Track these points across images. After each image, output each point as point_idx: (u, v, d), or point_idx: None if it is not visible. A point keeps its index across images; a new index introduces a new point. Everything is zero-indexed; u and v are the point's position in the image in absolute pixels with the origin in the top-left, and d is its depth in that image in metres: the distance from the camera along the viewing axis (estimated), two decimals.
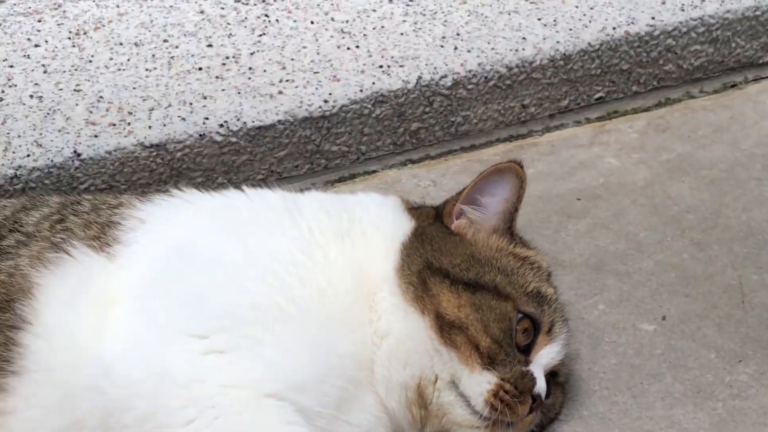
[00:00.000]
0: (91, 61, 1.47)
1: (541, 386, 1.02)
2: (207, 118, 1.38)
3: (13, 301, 0.97)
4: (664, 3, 1.60)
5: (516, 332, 1.04)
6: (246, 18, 1.55)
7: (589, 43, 1.54)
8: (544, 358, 1.05)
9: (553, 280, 1.14)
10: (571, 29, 1.55)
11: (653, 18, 1.57)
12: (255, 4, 1.58)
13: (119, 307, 0.98)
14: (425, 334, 1.04)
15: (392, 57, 1.49)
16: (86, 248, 1.01)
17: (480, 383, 1.01)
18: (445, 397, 1.03)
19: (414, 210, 1.16)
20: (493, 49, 1.51)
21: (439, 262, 1.07)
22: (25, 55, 1.48)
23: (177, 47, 1.50)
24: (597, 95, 1.58)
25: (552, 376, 1.07)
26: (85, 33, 1.51)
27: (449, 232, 1.11)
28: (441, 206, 1.16)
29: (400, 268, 1.08)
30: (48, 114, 1.39)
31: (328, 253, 1.07)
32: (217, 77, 1.45)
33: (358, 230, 1.11)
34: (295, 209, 1.11)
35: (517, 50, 1.51)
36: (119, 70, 1.46)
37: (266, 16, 1.55)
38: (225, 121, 1.38)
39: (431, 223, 1.13)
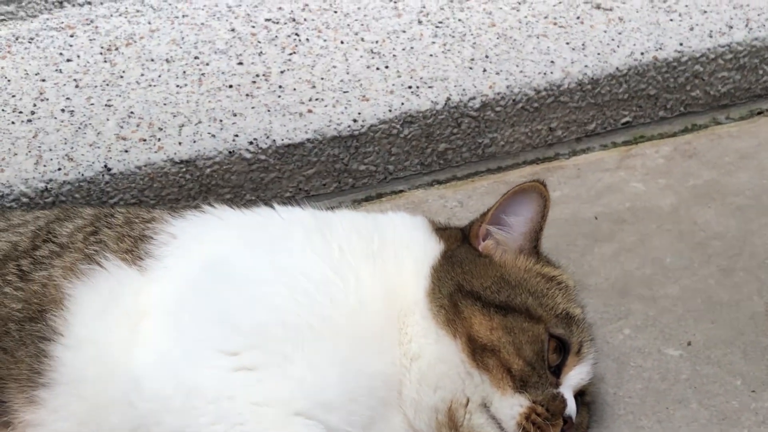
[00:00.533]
0: (122, 77, 1.48)
1: (571, 408, 1.02)
2: (237, 135, 1.38)
3: (45, 312, 0.98)
4: (692, 29, 1.60)
5: (547, 354, 1.04)
6: (276, 36, 1.55)
7: (617, 68, 1.54)
8: (574, 379, 1.05)
9: (580, 298, 1.14)
10: (599, 53, 1.55)
11: (681, 44, 1.57)
12: (285, 23, 1.58)
13: (150, 321, 0.99)
14: (457, 357, 1.04)
15: (421, 78, 1.49)
16: (119, 261, 1.02)
17: (512, 406, 1.01)
18: (476, 420, 1.03)
19: (441, 231, 1.16)
20: (521, 71, 1.51)
21: (470, 285, 1.07)
22: (57, 70, 1.48)
23: (208, 64, 1.50)
24: (624, 120, 1.58)
25: (580, 395, 1.07)
26: (116, 48, 1.52)
27: (478, 254, 1.11)
28: (467, 227, 1.16)
29: (431, 292, 1.08)
30: (79, 128, 1.39)
31: (358, 273, 1.07)
32: (247, 95, 1.45)
33: (390, 252, 1.11)
34: (326, 228, 1.11)
35: (545, 73, 1.51)
36: (150, 86, 1.46)
37: (296, 35, 1.56)
38: (254, 139, 1.38)
39: (459, 245, 1.13)
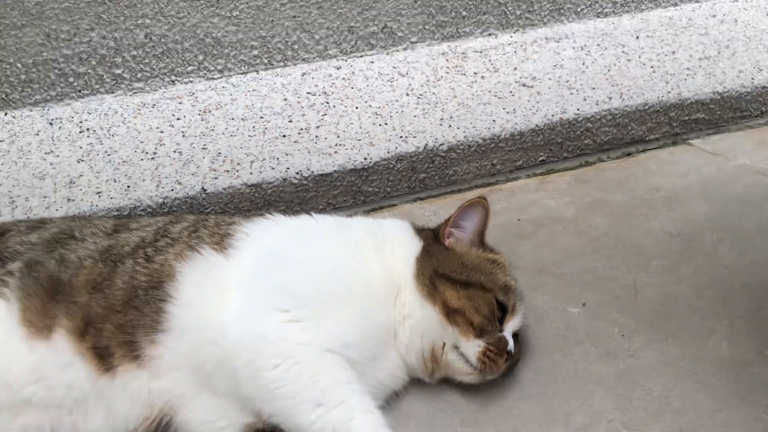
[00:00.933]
0: (213, 130, 1.48)
1: (511, 345, 1.04)
2: (288, 168, 1.38)
3: (162, 282, 0.98)
4: (585, 100, 1.60)
5: (496, 313, 1.06)
6: (314, 104, 1.55)
7: (536, 125, 1.54)
8: (511, 327, 1.07)
9: (513, 274, 1.15)
10: (524, 115, 1.55)
11: (578, 109, 1.57)
12: (319, 95, 1.59)
13: (230, 290, 0.99)
14: (436, 317, 1.05)
15: (408, 131, 1.49)
16: (211, 250, 1.03)
17: (474, 347, 1.03)
18: (450, 356, 1.05)
19: (419, 231, 1.17)
20: (474, 127, 1.51)
21: (442, 270, 1.08)
22: (170, 125, 1.48)
23: (269, 121, 1.50)
24: (540, 159, 1.58)
25: (514, 336, 1.08)
26: (209, 111, 1.52)
27: (445, 248, 1.13)
28: (436, 229, 1.16)
29: (417, 275, 1.08)
30: (185, 164, 1.39)
31: (368, 259, 1.10)
32: (294, 141, 1.45)
33: (388, 246, 1.13)
34: (345, 229, 1.14)
35: (489, 128, 1.51)
36: (231, 135, 1.46)
37: (327, 103, 1.56)
38: (299, 171, 1.38)
39: (432, 243, 1.13)
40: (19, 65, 1.45)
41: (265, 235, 1.09)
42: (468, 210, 1.13)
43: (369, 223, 1.18)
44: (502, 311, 1.07)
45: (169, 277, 0.98)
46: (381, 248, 1.10)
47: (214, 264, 1.01)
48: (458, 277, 1.08)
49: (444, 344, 1.05)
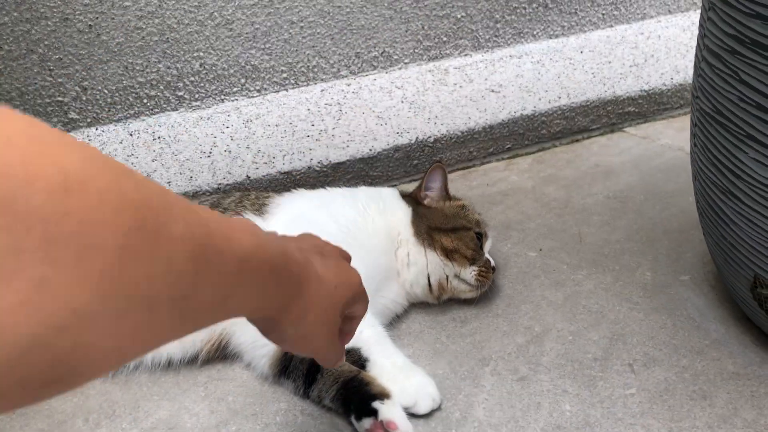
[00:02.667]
0: (254, 134, 1.53)
1: (493, 262, 1.15)
2: (311, 159, 1.45)
3: None
4: (540, 99, 1.66)
5: (477, 243, 1.14)
6: (330, 112, 1.60)
7: (502, 120, 1.60)
8: (487, 248, 1.17)
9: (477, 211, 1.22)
10: (493, 113, 1.61)
11: (534, 107, 1.64)
12: (335, 105, 1.63)
13: None
14: (438, 259, 1.12)
15: (403, 128, 1.56)
16: (251, 214, 1.10)
17: (471, 272, 1.12)
18: (454, 283, 1.13)
19: (405, 196, 1.23)
20: (454, 123, 1.57)
21: (434, 224, 1.15)
22: (221, 132, 1.54)
23: (296, 126, 1.55)
24: (507, 146, 1.64)
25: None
26: (251, 120, 1.57)
27: (426, 207, 1.19)
28: (413, 194, 1.23)
29: (416, 233, 1.15)
30: (233, 159, 1.46)
31: (374, 219, 1.15)
32: (316, 140, 1.52)
33: (387, 208, 1.18)
34: (353, 196, 1.20)
35: (466, 124, 1.58)
36: (268, 137, 1.52)
37: (340, 110, 1.61)
38: (320, 161, 1.45)
39: (417, 206, 1.20)
40: (105, 91, 1.53)
41: (292, 204, 1.16)
42: (431, 174, 1.20)
43: (371, 190, 1.24)
44: (480, 240, 1.16)
45: None
46: (381, 209, 1.17)
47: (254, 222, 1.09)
48: (446, 226, 1.15)
49: (447, 276, 1.13)
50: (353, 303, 0.64)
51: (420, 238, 1.14)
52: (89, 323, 0.28)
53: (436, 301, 1.16)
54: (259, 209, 1.13)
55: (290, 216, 1.12)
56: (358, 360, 0.99)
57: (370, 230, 1.12)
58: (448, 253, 1.12)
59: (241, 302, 0.45)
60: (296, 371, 0.99)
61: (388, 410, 0.90)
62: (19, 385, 0.27)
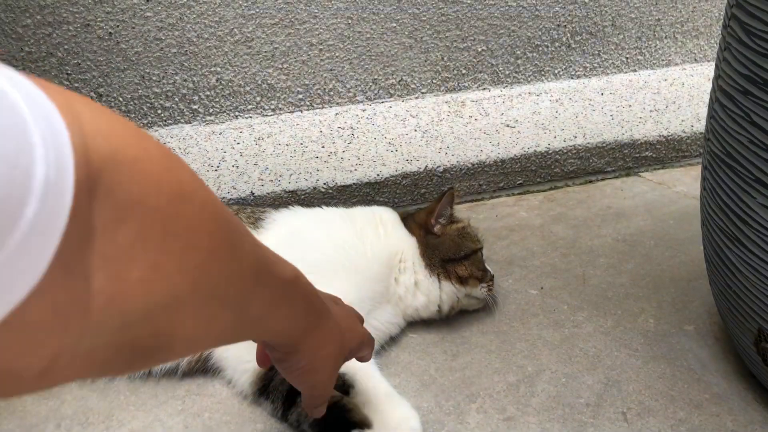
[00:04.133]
0: (264, 151, 1.53)
1: (492, 272, 1.17)
2: (317, 180, 1.44)
3: None
4: (555, 137, 1.64)
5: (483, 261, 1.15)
6: (342, 135, 1.60)
7: (515, 155, 1.57)
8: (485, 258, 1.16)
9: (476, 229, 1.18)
10: (506, 147, 1.59)
11: (549, 144, 1.61)
12: (347, 129, 1.63)
13: None
14: (453, 288, 1.12)
15: (414, 156, 1.54)
16: (247, 226, 1.07)
17: (480, 289, 1.13)
18: (465, 301, 1.13)
19: (405, 218, 1.20)
20: (465, 155, 1.55)
21: (447, 256, 1.13)
22: (232, 147, 1.54)
23: (306, 146, 1.55)
24: (518, 182, 1.61)
25: None
26: (262, 138, 1.57)
27: (437, 236, 1.16)
28: (421, 219, 1.18)
29: (428, 266, 1.13)
30: (240, 174, 1.45)
31: (372, 244, 1.13)
32: (325, 161, 1.50)
33: (390, 234, 1.15)
34: (350, 218, 1.17)
35: (477, 156, 1.55)
36: (277, 156, 1.51)
37: (352, 135, 1.60)
38: (326, 182, 1.43)
39: (425, 236, 1.16)
40: (120, 99, 1.54)
41: (288, 220, 1.14)
42: (445, 202, 1.17)
43: (367, 212, 1.20)
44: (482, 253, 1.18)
45: None
46: (381, 235, 1.14)
47: None
48: (459, 255, 1.13)
49: (459, 297, 1.13)
50: (360, 349, 0.73)
51: (433, 270, 1.13)
52: (182, 307, 0.35)
53: (444, 317, 1.16)
54: (255, 222, 1.11)
55: (286, 232, 1.10)
56: (343, 385, 0.96)
57: (368, 255, 1.10)
58: (463, 281, 1.12)
59: (278, 321, 0.52)
60: (276, 392, 0.95)
61: None
62: (128, 346, 0.33)
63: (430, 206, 1.18)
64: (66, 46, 1.45)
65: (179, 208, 0.34)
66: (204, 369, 1.03)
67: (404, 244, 1.14)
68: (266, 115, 1.65)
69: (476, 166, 1.54)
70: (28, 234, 0.25)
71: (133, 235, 0.30)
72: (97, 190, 0.28)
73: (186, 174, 0.36)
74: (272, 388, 0.96)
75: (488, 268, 1.17)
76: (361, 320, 0.79)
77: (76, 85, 1.49)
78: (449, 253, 1.13)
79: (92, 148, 0.28)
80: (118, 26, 1.47)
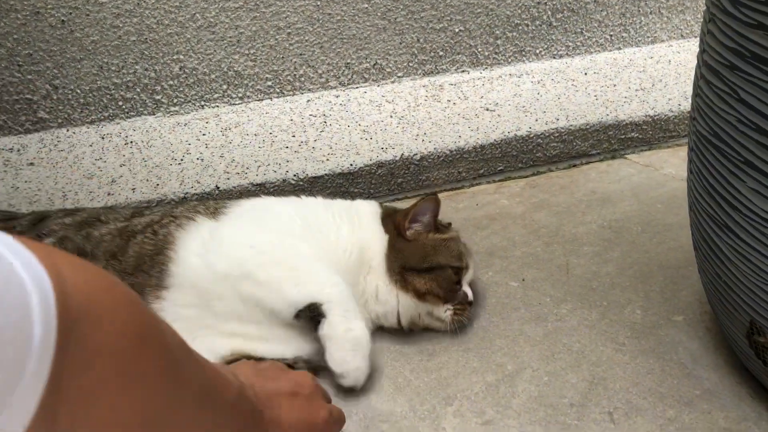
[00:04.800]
0: (230, 143, 1.47)
1: (470, 295, 1.05)
2: (287, 172, 1.37)
3: (165, 249, 0.98)
4: (536, 120, 1.58)
5: (453, 281, 1.05)
6: (314, 123, 1.54)
7: (494, 140, 1.51)
8: (467, 280, 1.07)
9: (463, 243, 1.11)
10: (485, 132, 1.53)
11: (530, 128, 1.55)
12: (319, 117, 1.57)
13: (222, 236, 0.99)
14: (410, 301, 1.04)
15: (389, 144, 1.48)
16: (204, 217, 1.02)
17: (445, 311, 1.03)
18: (426, 320, 1.05)
19: (385, 217, 1.12)
20: (443, 141, 1.49)
21: (409, 264, 1.05)
22: (197, 139, 1.48)
23: (276, 136, 1.49)
24: (499, 168, 1.55)
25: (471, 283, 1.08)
26: (229, 129, 1.51)
27: (407, 240, 1.08)
28: (397, 220, 1.10)
29: (388, 270, 1.06)
30: (205, 167, 1.39)
31: (343, 230, 1.07)
32: (295, 151, 1.44)
33: (363, 227, 1.09)
34: (327, 205, 1.12)
35: (456, 142, 1.49)
36: (245, 147, 1.45)
37: (325, 122, 1.55)
38: (296, 174, 1.37)
39: (396, 238, 1.09)
40: (78, 91, 1.46)
41: (254, 200, 1.10)
42: (422, 206, 1.08)
43: (346, 203, 1.14)
44: (459, 274, 1.06)
45: (170, 244, 0.98)
46: (356, 226, 1.07)
47: (206, 226, 1.00)
48: (421, 266, 1.04)
49: (419, 314, 1.04)
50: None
51: (392, 278, 1.04)
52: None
53: (405, 329, 1.07)
54: (214, 213, 1.04)
55: (248, 207, 1.05)
56: (316, 315, 0.94)
57: (341, 245, 1.03)
58: (420, 295, 1.03)
59: None
60: None
61: None
62: None
63: (409, 207, 1.11)
64: (15, 36, 1.38)
65: (139, 350, 0.37)
66: None
67: (375, 241, 1.08)
68: (233, 104, 1.58)
69: (455, 152, 1.48)
70: (26, 389, 0.28)
71: (96, 379, 0.33)
72: (71, 339, 0.31)
73: (148, 316, 0.40)
74: None
75: (467, 291, 1.06)
76: (327, 398, 0.81)
77: (29, 77, 1.41)
78: (411, 261, 1.04)
79: (71, 303, 0.32)
80: (71, 13, 1.39)
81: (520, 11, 1.74)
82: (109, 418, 0.35)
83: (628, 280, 1.20)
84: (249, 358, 0.93)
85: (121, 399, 0.36)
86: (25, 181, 1.34)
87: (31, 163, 1.39)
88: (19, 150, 1.42)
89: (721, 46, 0.78)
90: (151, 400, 0.39)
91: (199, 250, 0.96)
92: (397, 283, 1.04)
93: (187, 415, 0.44)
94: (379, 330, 1.07)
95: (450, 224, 1.16)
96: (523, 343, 1.05)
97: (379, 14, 1.61)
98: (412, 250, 1.06)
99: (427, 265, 1.04)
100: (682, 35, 1.96)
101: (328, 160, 1.41)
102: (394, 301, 1.04)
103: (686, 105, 1.66)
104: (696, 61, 0.90)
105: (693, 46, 1.94)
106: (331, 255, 1.01)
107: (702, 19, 0.87)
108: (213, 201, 1.11)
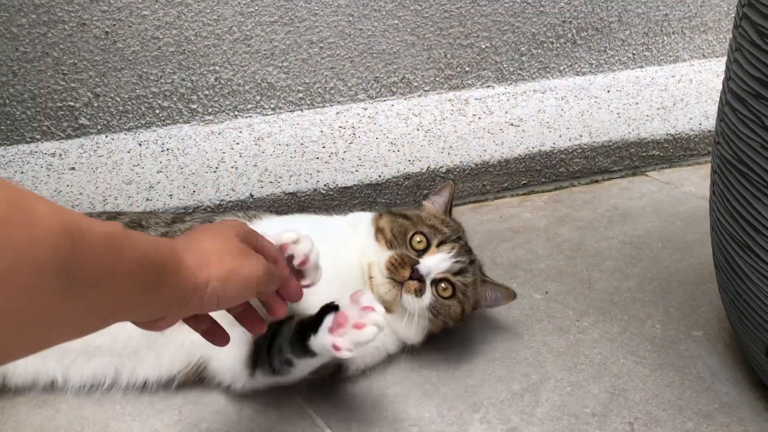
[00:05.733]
0: (264, 152, 1.51)
1: (421, 266, 0.97)
2: (318, 181, 1.41)
3: None
4: (560, 136, 1.61)
5: (412, 238, 1.01)
6: (343, 135, 1.58)
7: (519, 154, 1.55)
8: (432, 260, 0.99)
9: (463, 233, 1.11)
10: (510, 147, 1.56)
11: (554, 143, 1.58)
12: (348, 128, 1.61)
13: None
14: (372, 235, 1.04)
15: (416, 156, 1.51)
16: (244, 220, 1.06)
17: (384, 256, 0.99)
18: (374, 271, 1.01)
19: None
20: (468, 154, 1.53)
21: (391, 209, 1.10)
22: (231, 148, 1.52)
23: (307, 147, 1.53)
24: (523, 182, 1.59)
25: (453, 288, 1.01)
26: (262, 138, 1.55)
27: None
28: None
29: (372, 218, 1.09)
30: (239, 176, 1.43)
31: (352, 239, 1.07)
32: (325, 162, 1.48)
33: (360, 230, 1.09)
34: (347, 218, 1.13)
35: (481, 156, 1.53)
36: (277, 157, 1.49)
37: (354, 134, 1.58)
38: (326, 183, 1.41)
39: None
40: (118, 99, 1.52)
41: (283, 218, 1.13)
42: (441, 189, 1.13)
43: (358, 215, 1.15)
44: (425, 243, 1.02)
45: None
46: (356, 231, 1.08)
47: None
48: (395, 211, 1.08)
49: (371, 264, 1.01)
50: (245, 293, 0.71)
51: (374, 217, 1.08)
52: None
53: (379, 301, 1.03)
54: (251, 219, 1.09)
55: (276, 223, 1.09)
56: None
57: (355, 249, 1.06)
58: (377, 232, 1.03)
59: (125, 263, 0.49)
60: (262, 352, 0.94)
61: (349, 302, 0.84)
62: None
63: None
64: (62, 46, 1.43)
65: None
66: (200, 380, 1.01)
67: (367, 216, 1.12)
68: (266, 115, 1.62)
69: (480, 166, 1.51)
70: None
71: None
72: None
73: None
74: (260, 355, 0.95)
75: (423, 262, 0.98)
76: (270, 256, 0.78)
77: (73, 85, 1.47)
78: (394, 207, 1.09)
79: None
80: (114, 25, 1.45)
81: (545, 29, 1.78)
82: None
83: (648, 295, 1.23)
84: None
85: None
86: (67, 185, 1.39)
87: (72, 168, 1.44)
88: (60, 155, 1.48)
89: (747, 75, 0.82)
90: None
91: None
92: (374, 218, 1.08)
93: (54, 254, 0.40)
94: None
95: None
96: (546, 354, 1.09)
97: (408, 30, 1.65)
98: (407, 208, 1.11)
99: (397, 211, 1.08)
100: (703, 55, 1.99)
101: (357, 171, 1.45)
102: (364, 229, 1.06)
103: (707, 124, 1.69)
104: (720, 82, 0.93)
105: (714, 66, 1.97)
106: (339, 251, 1.02)
107: (728, 47, 0.91)
108: (253, 212, 1.15)
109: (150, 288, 0.54)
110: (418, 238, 1.01)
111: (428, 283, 0.98)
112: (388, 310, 0.99)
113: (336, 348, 0.81)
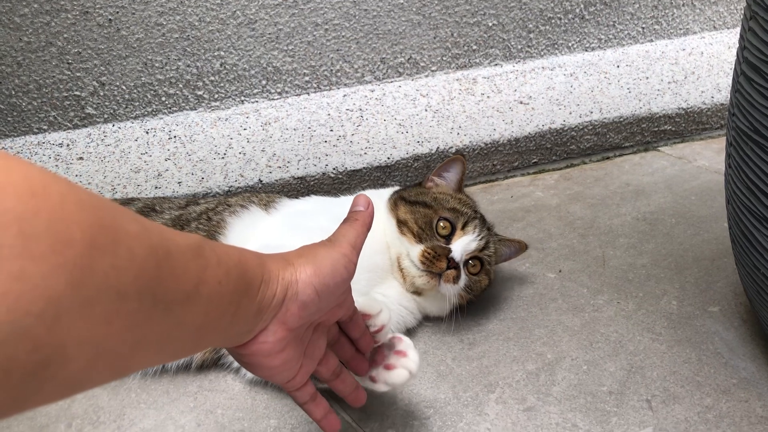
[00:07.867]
0: (271, 137, 1.50)
1: (455, 254, 1.00)
2: (326, 165, 1.41)
3: (216, 233, 1.01)
4: (570, 113, 1.59)
5: (437, 226, 1.02)
6: (351, 117, 1.56)
7: (529, 133, 1.53)
8: (461, 243, 1.02)
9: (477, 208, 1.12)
10: (520, 125, 1.55)
11: (564, 121, 1.56)
12: (356, 111, 1.59)
13: (265, 228, 1.02)
14: (395, 228, 1.05)
15: (425, 137, 1.50)
16: (257, 207, 1.06)
17: (416, 250, 1.00)
18: (406, 263, 1.03)
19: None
20: (477, 134, 1.51)
21: (404, 195, 1.08)
22: (238, 134, 1.51)
23: (315, 131, 1.52)
24: (533, 161, 1.57)
25: (480, 262, 1.04)
26: (269, 123, 1.54)
27: (421, 185, 1.12)
28: (422, 181, 1.15)
29: (387, 201, 1.10)
30: (247, 162, 1.42)
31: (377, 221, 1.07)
32: (334, 145, 1.47)
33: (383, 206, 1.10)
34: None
35: (490, 135, 1.51)
36: (285, 141, 1.48)
37: (361, 116, 1.57)
38: (335, 167, 1.40)
39: (413, 186, 1.14)
40: (123, 87, 1.51)
41: (298, 202, 1.13)
42: (448, 164, 1.12)
43: (371, 192, 1.15)
44: (449, 228, 1.04)
45: (222, 229, 1.02)
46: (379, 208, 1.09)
47: (258, 216, 1.05)
48: (412, 199, 1.07)
49: (401, 254, 1.03)
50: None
51: (389, 207, 1.08)
52: (63, 310, 0.32)
53: (410, 288, 1.05)
54: (267, 205, 1.09)
55: (291, 210, 1.08)
56: None
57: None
58: (400, 225, 1.04)
59: (210, 286, 0.47)
60: None
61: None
62: (3, 372, 0.29)
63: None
64: (65, 35, 1.42)
65: (32, 205, 0.31)
66: (218, 363, 1.01)
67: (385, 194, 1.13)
68: (272, 99, 1.61)
69: (489, 145, 1.50)
70: None
71: None
72: None
73: (33, 169, 0.33)
74: None
75: (452, 248, 1.00)
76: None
77: (78, 74, 1.46)
78: (408, 194, 1.08)
79: None
80: (117, 12, 1.43)
81: (552, 5, 1.75)
82: (17, 288, 0.31)
83: (663, 271, 1.22)
84: None
85: (30, 263, 0.32)
86: (76, 175, 1.39)
87: (81, 158, 1.44)
88: (68, 145, 1.47)
89: (763, 43, 0.80)
90: (79, 259, 0.34)
91: (241, 237, 1.00)
92: (391, 209, 1.08)
93: (142, 272, 0.38)
94: (420, 327, 1.11)
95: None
96: (561, 333, 1.08)
97: (414, 9, 1.63)
98: (419, 190, 1.11)
99: (414, 199, 1.07)
100: (714, 27, 1.95)
101: (365, 153, 1.44)
102: (386, 224, 1.06)
103: (719, 97, 1.67)
104: (732, 54, 0.91)
105: (726, 37, 1.93)
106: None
107: (742, 16, 0.89)
108: (265, 194, 1.14)
109: (238, 294, 0.51)
110: (442, 224, 1.03)
111: (462, 266, 1.02)
112: (418, 294, 1.05)
113: (373, 380, 0.84)
